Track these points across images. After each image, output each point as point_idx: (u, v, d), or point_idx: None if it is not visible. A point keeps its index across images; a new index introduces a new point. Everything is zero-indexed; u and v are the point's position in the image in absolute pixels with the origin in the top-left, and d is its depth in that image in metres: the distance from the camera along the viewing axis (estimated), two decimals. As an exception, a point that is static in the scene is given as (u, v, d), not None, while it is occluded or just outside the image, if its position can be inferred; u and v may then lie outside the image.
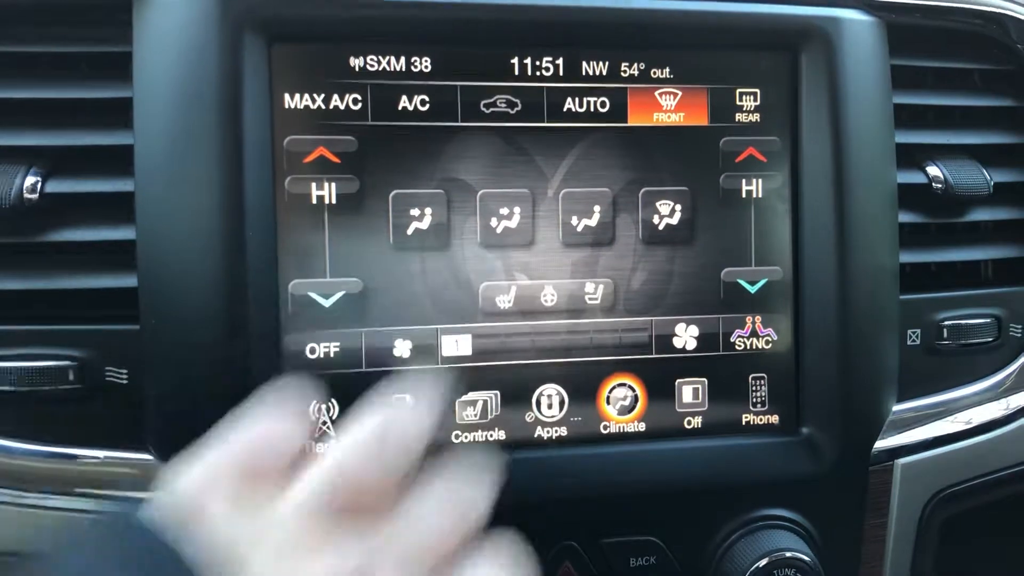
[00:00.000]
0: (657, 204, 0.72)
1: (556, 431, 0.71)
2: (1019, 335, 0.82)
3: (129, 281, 0.65)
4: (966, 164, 0.80)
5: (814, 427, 0.74)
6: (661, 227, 0.72)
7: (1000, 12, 0.80)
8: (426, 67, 0.68)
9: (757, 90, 0.73)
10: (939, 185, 0.78)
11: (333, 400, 0.67)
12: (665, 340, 0.73)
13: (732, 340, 0.73)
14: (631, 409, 0.72)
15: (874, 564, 0.78)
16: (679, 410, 0.73)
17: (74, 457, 0.65)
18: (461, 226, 0.69)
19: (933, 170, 0.78)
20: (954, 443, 0.79)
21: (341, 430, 0.46)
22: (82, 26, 0.67)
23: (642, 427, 0.72)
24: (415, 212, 0.68)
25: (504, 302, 0.70)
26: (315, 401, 0.67)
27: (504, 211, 0.69)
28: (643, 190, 0.71)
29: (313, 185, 0.66)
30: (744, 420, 0.74)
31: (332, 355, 0.67)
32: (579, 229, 0.71)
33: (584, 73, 0.70)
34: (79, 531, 0.43)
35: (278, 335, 0.66)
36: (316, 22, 0.65)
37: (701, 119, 0.72)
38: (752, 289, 0.73)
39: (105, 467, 0.66)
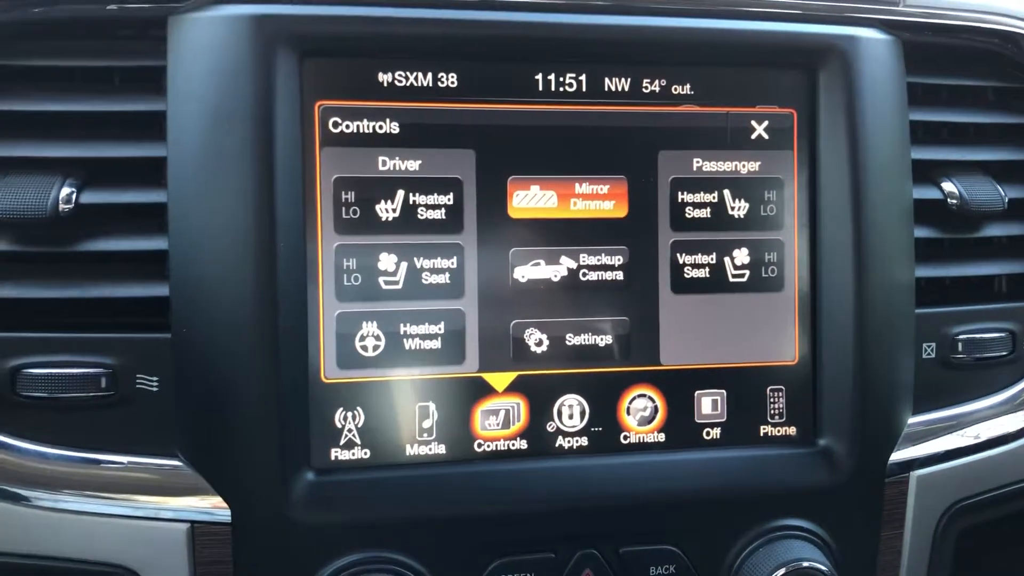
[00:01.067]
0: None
1: (577, 441, 0.72)
2: (1033, 349, 0.83)
3: (161, 290, 0.66)
4: (980, 180, 0.81)
5: (831, 439, 0.74)
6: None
7: (1014, 31, 0.81)
8: (452, 83, 0.69)
9: (775, 107, 0.74)
10: (954, 201, 0.79)
11: (359, 408, 0.68)
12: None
13: None
14: (651, 420, 0.73)
15: (890, 575, 0.79)
16: (698, 421, 0.74)
17: (98, 462, 0.66)
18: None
19: (948, 186, 0.79)
20: (969, 456, 0.80)
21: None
22: (117, 40, 0.68)
23: (661, 438, 0.73)
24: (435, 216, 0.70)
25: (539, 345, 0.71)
26: (341, 408, 0.68)
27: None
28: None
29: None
30: (762, 432, 0.75)
31: (360, 362, 0.68)
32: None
33: (606, 89, 0.71)
34: None
35: (306, 344, 0.67)
36: (347, 38, 0.66)
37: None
38: None
39: (129, 472, 0.67)
